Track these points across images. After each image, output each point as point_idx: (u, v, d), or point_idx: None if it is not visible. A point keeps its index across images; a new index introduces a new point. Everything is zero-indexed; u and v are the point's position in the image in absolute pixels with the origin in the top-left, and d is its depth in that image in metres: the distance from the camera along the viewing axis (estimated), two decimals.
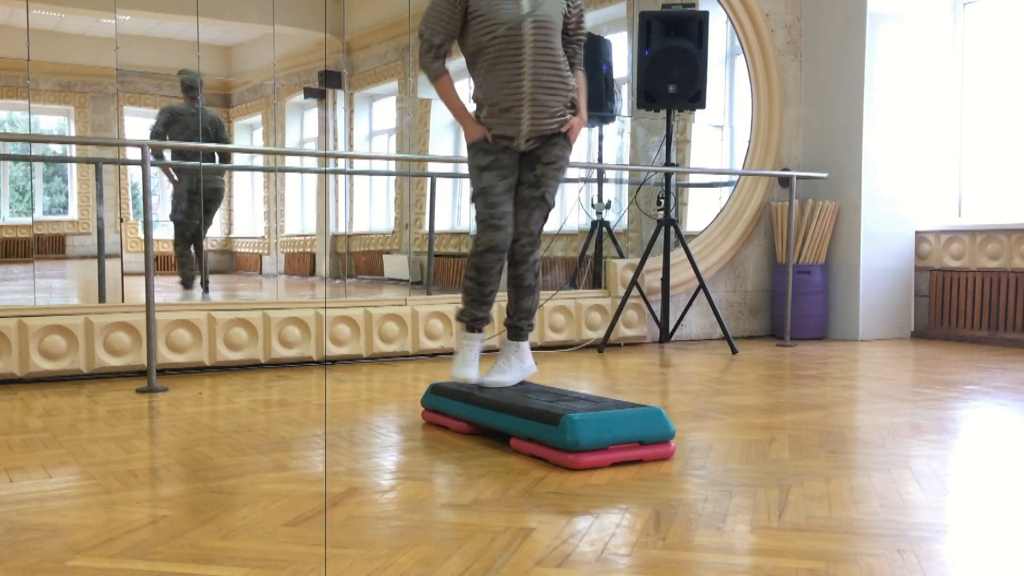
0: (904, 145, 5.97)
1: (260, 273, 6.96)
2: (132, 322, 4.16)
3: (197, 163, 5.64)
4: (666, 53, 5.16)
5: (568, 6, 3.07)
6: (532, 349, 5.07)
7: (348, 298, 5.04)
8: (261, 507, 2.06)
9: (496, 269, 3.06)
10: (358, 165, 7.33)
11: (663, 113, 5.43)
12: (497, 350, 3.57)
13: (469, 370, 3.08)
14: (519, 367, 3.14)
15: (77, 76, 6.25)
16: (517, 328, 3.18)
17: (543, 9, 2.97)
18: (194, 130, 5.62)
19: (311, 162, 7.41)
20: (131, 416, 3.24)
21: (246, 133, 7.05)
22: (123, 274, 5.03)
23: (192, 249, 5.87)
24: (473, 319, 3.11)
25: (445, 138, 7.23)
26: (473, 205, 3.06)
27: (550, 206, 3.08)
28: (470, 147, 3.08)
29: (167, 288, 5.74)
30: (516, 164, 3.06)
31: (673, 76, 5.16)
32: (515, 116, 2.98)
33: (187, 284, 5.76)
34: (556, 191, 3.09)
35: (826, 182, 6.00)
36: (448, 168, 6.81)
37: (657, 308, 5.62)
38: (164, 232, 6.89)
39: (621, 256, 5.83)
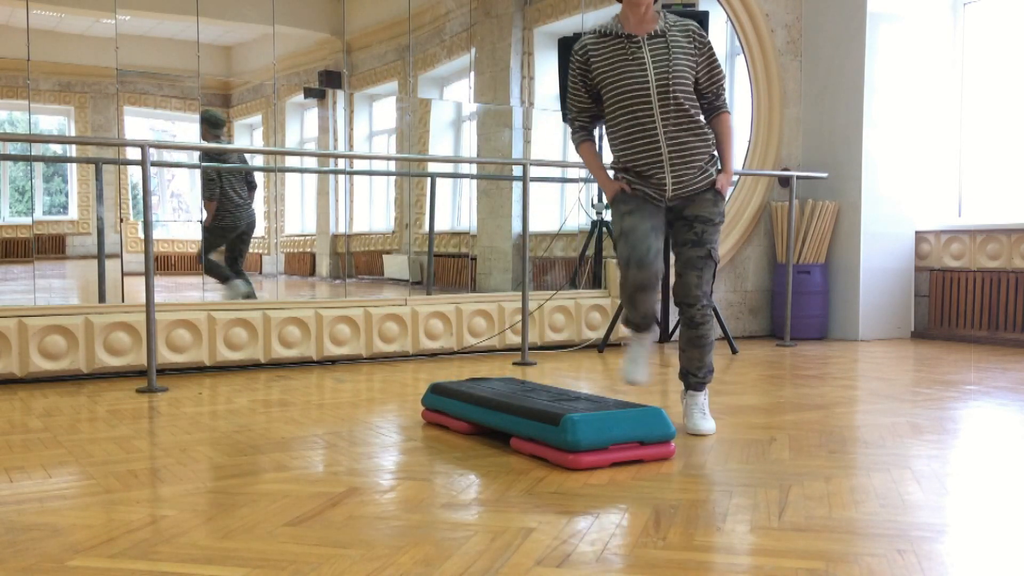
0: (904, 145, 5.97)
1: (260, 273, 6.96)
2: (132, 322, 4.16)
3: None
4: None
5: (696, 56, 2.91)
6: (532, 349, 5.11)
7: (348, 298, 5.04)
8: (261, 507, 2.06)
9: (652, 300, 2.98)
10: (358, 165, 7.33)
11: None
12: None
13: (639, 372, 3.04)
14: (709, 414, 3.09)
15: (77, 76, 6.25)
16: (703, 381, 3.06)
17: (669, 69, 2.83)
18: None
19: (311, 162, 7.41)
20: (131, 416, 3.24)
21: (246, 133, 7.05)
22: (123, 274, 5.04)
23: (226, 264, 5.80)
24: (637, 326, 3.04)
25: (445, 138, 7.23)
26: (615, 248, 2.99)
27: (716, 262, 2.98)
28: (611, 201, 3.03)
29: (167, 288, 5.73)
30: (661, 210, 2.96)
31: None
32: (658, 181, 2.89)
33: (227, 279, 5.71)
34: (718, 244, 3.00)
35: (826, 182, 5.99)
36: (448, 168, 6.81)
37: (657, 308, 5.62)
38: (164, 232, 6.89)
39: None
